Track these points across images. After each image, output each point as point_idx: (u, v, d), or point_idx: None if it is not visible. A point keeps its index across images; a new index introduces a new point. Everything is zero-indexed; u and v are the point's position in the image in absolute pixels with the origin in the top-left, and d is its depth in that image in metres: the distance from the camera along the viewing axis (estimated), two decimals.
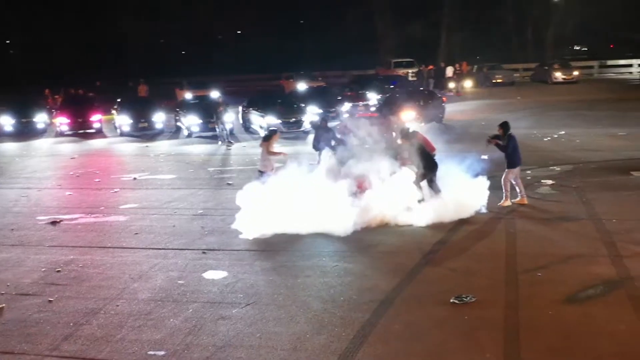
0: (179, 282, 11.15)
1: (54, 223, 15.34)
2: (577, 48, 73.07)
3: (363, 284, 10.63)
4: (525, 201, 14.61)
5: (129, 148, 27.25)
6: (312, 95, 32.15)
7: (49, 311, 10.12)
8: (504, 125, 14.64)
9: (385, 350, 8.39)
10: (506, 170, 14.51)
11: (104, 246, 13.45)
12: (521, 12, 58.71)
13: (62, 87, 39.22)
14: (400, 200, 13.89)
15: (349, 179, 13.97)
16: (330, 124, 17.62)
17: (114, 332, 9.25)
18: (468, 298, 9.62)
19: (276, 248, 12.67)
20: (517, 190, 14.64)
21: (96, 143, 29.04)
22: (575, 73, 47.33)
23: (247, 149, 25.14)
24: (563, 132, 24.93)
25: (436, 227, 13.35)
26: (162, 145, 27.39)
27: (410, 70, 50.13)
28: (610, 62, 53.69)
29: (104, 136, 30.62)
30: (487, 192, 14.35)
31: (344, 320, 9.27)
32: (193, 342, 8.81)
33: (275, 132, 16.47)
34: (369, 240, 12.80)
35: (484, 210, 14.12)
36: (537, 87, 46.33)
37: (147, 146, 27.30)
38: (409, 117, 19.56)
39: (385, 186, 14.05)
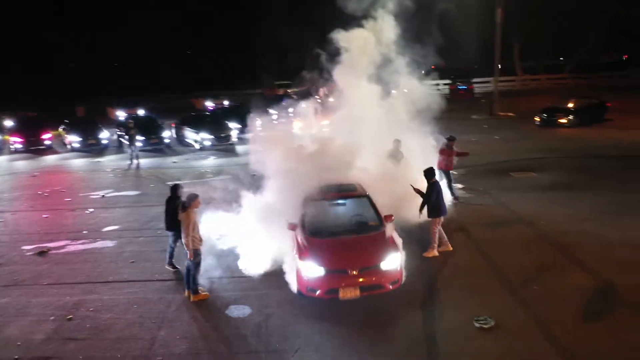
0: (206, 324, 7.89)
1: (41, 253, 11.22)
2: None
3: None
4: (450, 247, 10.14)
5: (83, 163, 22.19)
6: (230, 113, 28.36)
7: None
8: (428, 173, 9.97)
9: None
10: (432, 220, 9.95)
11: (105, 280, 9.70)
12: None
13: (8, 110, 32.17)
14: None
15: None
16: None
17: None
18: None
19: (281, 271, 9.38)
20: (444, 238, 10.16)
21: (50, 159, 23.58)
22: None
23: (189, 161, 21.33)
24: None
25: None
26: (112, 160, 22.60)
27: (290, 90, 46.99)
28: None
29: (56, 152, 25.07)
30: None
31: None
32: None
33: (196, 196, 8.58)
34: None
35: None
36: None
37: (98, 161, 22.45)
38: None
39: None
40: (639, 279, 8.59)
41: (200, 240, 8.54)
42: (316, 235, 8.69)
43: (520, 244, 10.43)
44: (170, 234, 9.54)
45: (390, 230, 8.88)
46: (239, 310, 8.22)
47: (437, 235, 9.96)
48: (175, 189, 9.52)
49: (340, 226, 9.13)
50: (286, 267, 9.09)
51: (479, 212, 12.59)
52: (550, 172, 16.29)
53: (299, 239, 8.64)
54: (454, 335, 7.19)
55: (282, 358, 6.86)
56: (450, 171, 13.42)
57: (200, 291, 8.71)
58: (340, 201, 9.80)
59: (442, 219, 10.01)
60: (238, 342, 7.33)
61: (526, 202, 13.16)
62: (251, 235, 10.09)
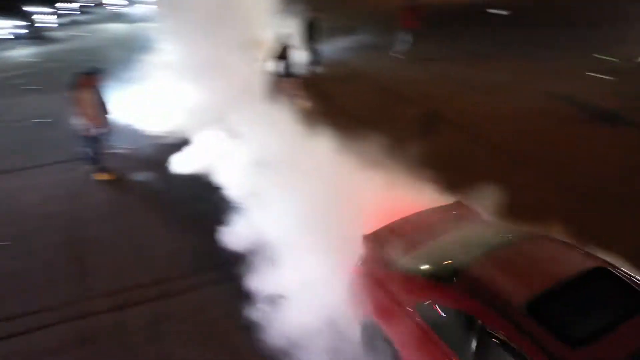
0: (117, 193, 8.11)
1: None
2: None
3: None
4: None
5: None
6: None
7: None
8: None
9: None
10: (291, 80, 11.12)
11: None
12: None
13: None
14: None
15: None
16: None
17: None
18: None
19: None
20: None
21: None
22: None
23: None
24: None
25: None
26: None
27: None
28: None
29: None
30: None
31: None
32: None
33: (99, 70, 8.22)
34: None
35: None
36: None
37: None
38: None
39: None
40: (457, 106, 10.87)
41: (93, 119, 8.02)
42: None
43: (365, 92, 12.19)
44: None
45: None
46: (142, 176, 8.50)
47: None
48: (90, 74, 8.04)
49: None
50: None
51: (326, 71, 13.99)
52: (363, 34, 18.25)
53: None
54: None
55: (208, 203, 7.20)
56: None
57: (103, 170, 8.56)
58: None
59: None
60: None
61: (358, 61, 14.91)
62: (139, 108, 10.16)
